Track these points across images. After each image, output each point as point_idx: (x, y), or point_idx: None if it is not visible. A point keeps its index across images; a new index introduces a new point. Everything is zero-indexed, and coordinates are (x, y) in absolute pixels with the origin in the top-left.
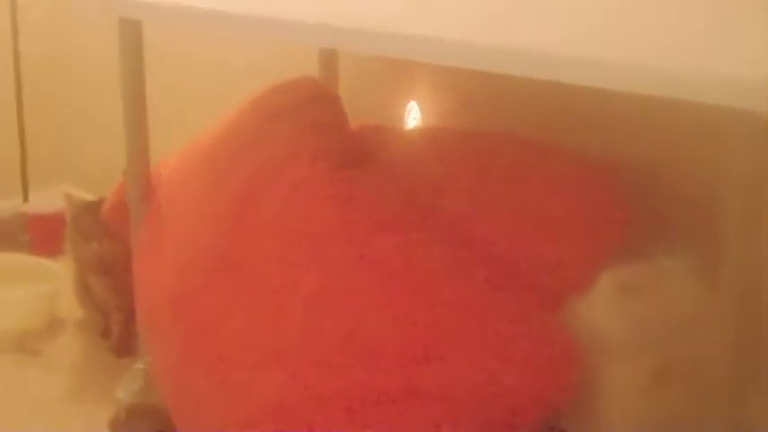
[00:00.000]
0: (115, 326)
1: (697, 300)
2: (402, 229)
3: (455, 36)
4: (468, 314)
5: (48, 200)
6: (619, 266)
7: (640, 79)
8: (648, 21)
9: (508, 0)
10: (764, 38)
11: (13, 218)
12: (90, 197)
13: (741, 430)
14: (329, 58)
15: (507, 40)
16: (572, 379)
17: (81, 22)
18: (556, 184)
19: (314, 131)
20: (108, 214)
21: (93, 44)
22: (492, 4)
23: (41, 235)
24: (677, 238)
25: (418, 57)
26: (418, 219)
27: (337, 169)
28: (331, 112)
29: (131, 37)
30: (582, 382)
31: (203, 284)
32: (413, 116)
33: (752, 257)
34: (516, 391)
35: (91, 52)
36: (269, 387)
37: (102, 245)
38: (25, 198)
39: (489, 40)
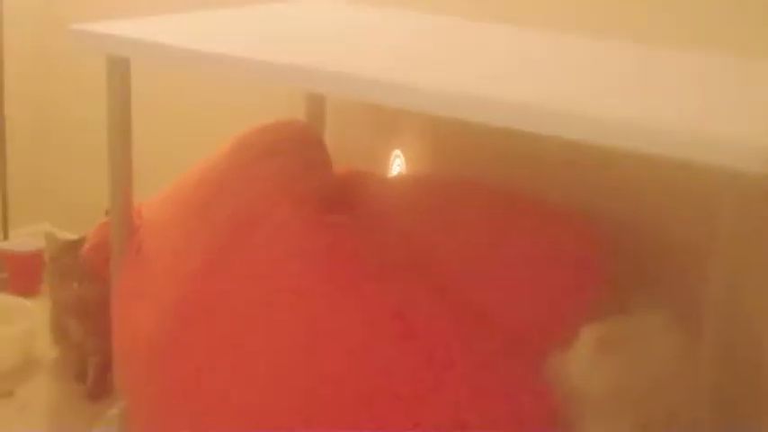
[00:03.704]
0: (91, 369)
1: (677, 355)
2: (384, 277)
3: (445, 87)
4: (444, 364)
5: (28, 238)
6: (600, 321)
7: (635, 137)
8: (650, 83)
9: (506, 57)
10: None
11: None
12: (70, 236)
13: None
14: (316, 104)
15: (499, 92)
16: None
17: (67, 58)
18: (538, 237)
19: (298, 175)
20: (88, 254)
21: (78, 81)
22: (490, 59)
23: (20, 274)
24: (659, 293)
25: (404, 105)
26: (399, 267)
27: (320, 214)
28: (316, 156)
29: (119, 75)
30: None
31: (182, 332)
32: (397, 164)
33: (732, 313)
34: None
35: (76, 89)
36: None
37: (82, 286)
38: (5, 236)
39: (480, 92)
